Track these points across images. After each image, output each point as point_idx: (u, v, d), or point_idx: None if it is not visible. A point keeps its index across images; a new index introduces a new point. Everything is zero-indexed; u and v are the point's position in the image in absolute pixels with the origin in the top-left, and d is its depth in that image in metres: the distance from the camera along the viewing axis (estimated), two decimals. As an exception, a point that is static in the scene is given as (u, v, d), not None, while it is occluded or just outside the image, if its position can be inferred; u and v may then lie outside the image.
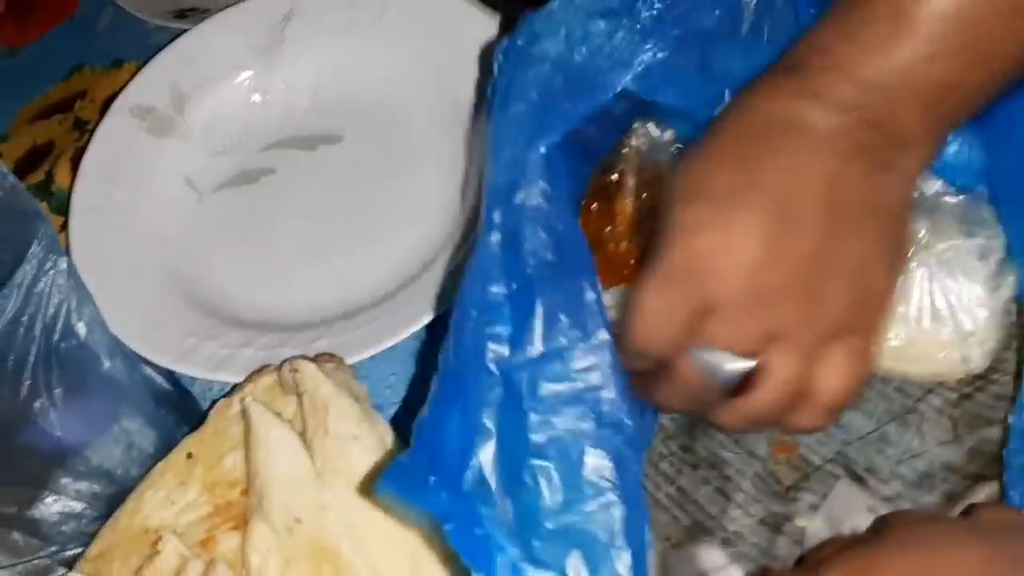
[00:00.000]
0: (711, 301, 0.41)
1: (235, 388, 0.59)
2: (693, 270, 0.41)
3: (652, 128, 0.56)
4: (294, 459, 0.53)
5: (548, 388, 0.41)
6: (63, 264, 0.53)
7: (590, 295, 0.43)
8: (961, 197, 0.54)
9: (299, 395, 0.55)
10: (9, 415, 0.54)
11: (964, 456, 0.53)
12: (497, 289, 0.42)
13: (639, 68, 0.47)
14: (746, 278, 0.41)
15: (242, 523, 0.54)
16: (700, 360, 0.42)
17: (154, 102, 0.76)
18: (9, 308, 0.51)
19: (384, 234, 0.70)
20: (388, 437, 0.55)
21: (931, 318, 0.54)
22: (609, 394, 0.42)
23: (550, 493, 0.39)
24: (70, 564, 0.58)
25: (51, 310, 0.53)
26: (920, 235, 0.53)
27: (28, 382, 0.53)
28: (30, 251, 0.51)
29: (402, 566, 0.50)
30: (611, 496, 0.40)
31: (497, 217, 0.44)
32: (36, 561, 0.58)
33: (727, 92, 0.49)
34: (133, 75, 0.86)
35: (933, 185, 0.54)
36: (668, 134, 0.56)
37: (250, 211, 0.74)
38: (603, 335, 0.42)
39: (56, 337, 0.53)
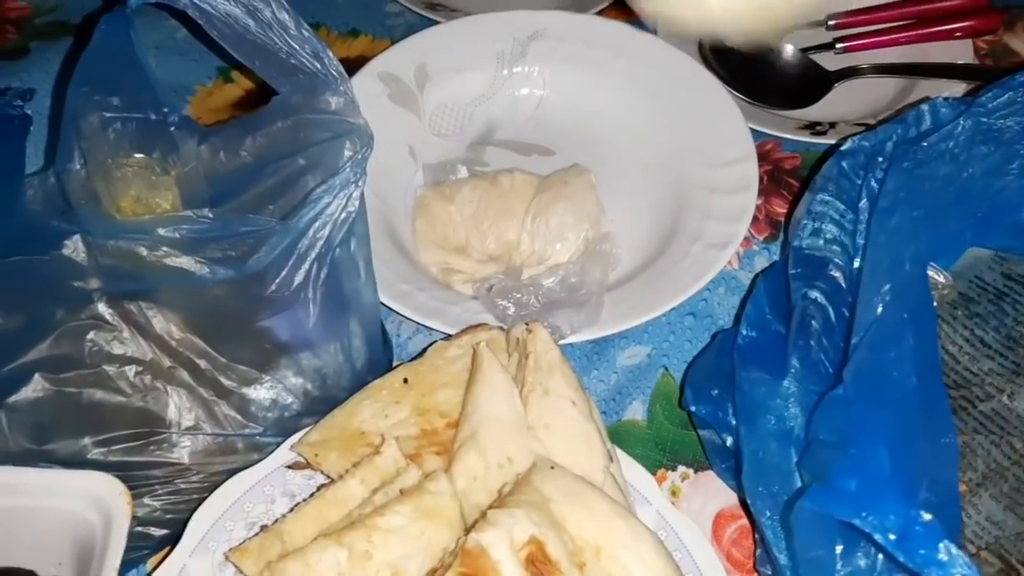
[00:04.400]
0: None
1: (449, 336, 0.65)
2: None
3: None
4: (512, 405, 0.58)
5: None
6: (363, 183, 0.60)
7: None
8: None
9: (524, 354, 0.61)
10: (273, 295, 0.59)
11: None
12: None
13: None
14: None
15: (445, 450, 0.59)
16: None
17: (402, 75, 0.84)
18: (323, 201, 0.57)
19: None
20: (596, 412, 0.61)
21: None
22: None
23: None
24: (260, 449, 0.63)
25: (343, 216, 0.59)
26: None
27: (303, 272, 0.59)
28: (349, 159, 0.58)
29: (590, 521, 0.54)
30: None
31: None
32: (232, 438, 0.63)
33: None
34: (368, 47, 0.95)
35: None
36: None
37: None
38: None
39: (336, 242, 0.59)
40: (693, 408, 0.63)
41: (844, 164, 0.59)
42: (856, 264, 0.58)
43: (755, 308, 0.60)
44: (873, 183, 0.57)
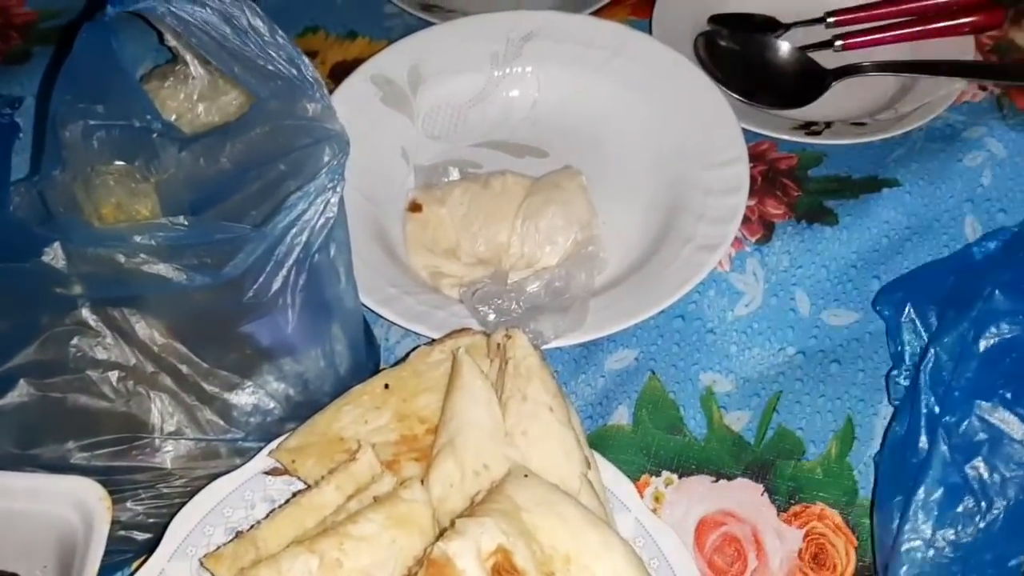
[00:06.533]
0: None
1: (433, 341, 0.65)
2: None
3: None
4: (491, 412, 0.58)
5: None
6: (341, 188, 0.60)
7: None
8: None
9: (504, 360, 0.60)
10: (252, 301, 0.59)
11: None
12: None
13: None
14: None
15: (424, 457, 0.59)
16: None
17: (394, 77, 0.84)
18: (299, 207, 0.57)
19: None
20: (575, 419, 0.60)
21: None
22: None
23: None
24: (242, 454, 0.64)
25: (321, 222, 0.59)
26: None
27: (281, 278, 0.59)
28: (327, 165, 0.58)
29: (562, 531, 0.54)
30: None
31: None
32: (214, 443, 0.64)
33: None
34: (365, 49, 0.95)
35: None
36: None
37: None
38: None
39: (315, 248, 0.60)
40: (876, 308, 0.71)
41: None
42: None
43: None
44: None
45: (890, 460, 0.61)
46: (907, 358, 0.67)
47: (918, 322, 0.67)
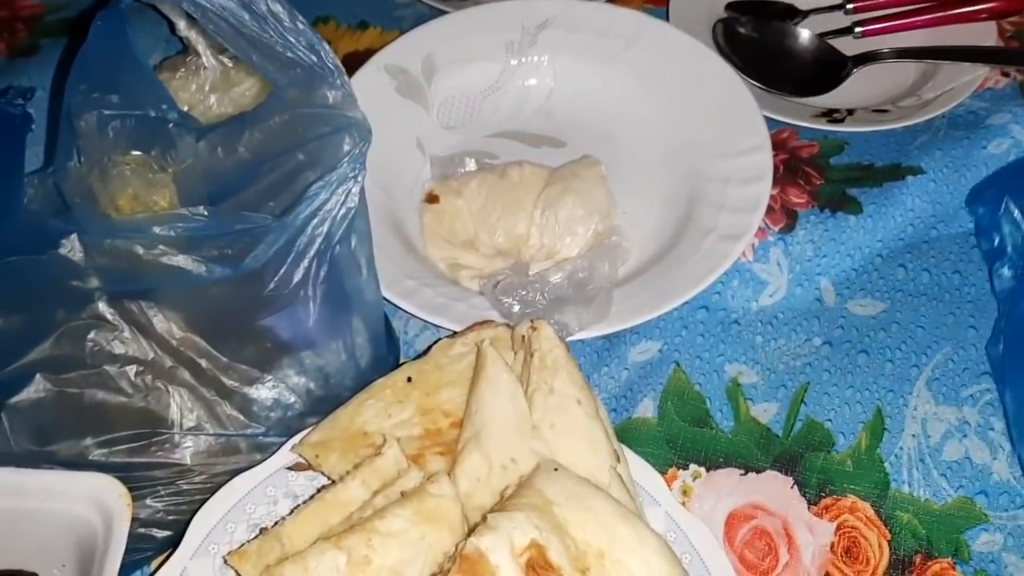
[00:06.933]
0: None
1: (454, 333, 0.64)
2: None
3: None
4: (517, 405, 0.57)
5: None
6: (362, 178, 0.58)
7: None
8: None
9: (530, 352, 0.59)
10: (272, 294, 0.58)
11: None
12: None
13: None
14: None
15: (449, 451, 0.58)
16: None
17: (409, 66, 0.82)
18: (320, 197, 0.56)
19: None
20: (603, 410, 0.59)
21: None
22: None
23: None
24: (263, 450, 0.63)
25: (342, 212, 0.58)
26: None
27: (302, 269, 0.58)
28: (348, 154, 0.57)
29: (594, 525, 0.53)
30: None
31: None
32: (234, 438, 0.62)
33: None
34: (376, 39, 0.94)
35: None
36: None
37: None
38: None
39: (336, 239, 0.58)
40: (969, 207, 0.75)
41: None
42: None
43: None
44: None
45: (1013, 343, 0.66)
46: (1009, 249, 0.71)
47: (1018, 212, 0.70)
